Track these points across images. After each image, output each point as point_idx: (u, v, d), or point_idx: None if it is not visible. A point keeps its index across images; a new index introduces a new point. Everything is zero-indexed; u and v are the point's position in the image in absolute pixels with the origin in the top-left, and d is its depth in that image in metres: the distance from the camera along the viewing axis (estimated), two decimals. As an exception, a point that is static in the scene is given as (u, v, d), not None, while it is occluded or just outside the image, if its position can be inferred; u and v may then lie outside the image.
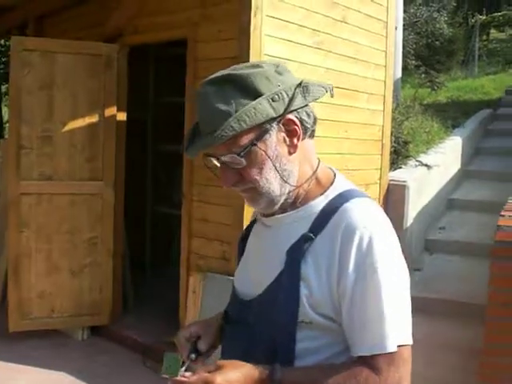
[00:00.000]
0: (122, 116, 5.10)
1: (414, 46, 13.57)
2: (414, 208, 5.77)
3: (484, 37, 19.77)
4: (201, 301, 3.90)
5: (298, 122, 1.37)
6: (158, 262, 6.51)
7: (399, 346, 1.28)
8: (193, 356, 1.48)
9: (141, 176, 6.42)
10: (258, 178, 1.36)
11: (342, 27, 4.75)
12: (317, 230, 1.36)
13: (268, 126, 1.33)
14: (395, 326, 1.29)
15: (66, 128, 4.82)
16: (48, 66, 4.75)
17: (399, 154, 6.22)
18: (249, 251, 1.57)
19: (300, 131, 1.37)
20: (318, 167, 1.46)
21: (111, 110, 4.96)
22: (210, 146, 1.34)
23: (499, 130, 9.62)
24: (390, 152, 5.74)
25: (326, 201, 1.40)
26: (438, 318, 4.73)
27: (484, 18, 18.90)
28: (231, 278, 1.69)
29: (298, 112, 1.37)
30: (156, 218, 6.59)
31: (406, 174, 5.88)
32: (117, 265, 5.17)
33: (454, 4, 17.86)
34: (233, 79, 1.32)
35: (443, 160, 6.86)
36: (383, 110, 5.40)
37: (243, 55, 3.95)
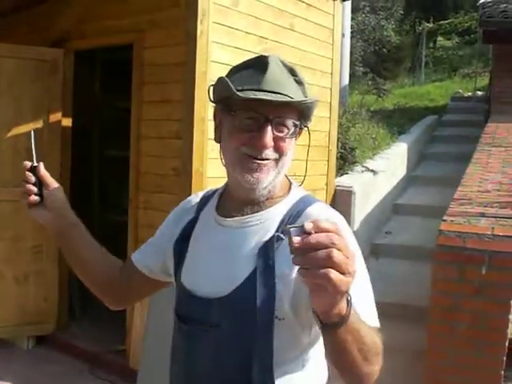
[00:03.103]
0: (67, 121, 5.03)
1: (362, 53, 13.78)
2: (360, 213, 5.85)
3: (431, 44, 20.21)
4: (147, 308, 3.87)
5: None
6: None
7: None
8: None
9: (87, 182, 6.33)
10: (288, 152, 1.44)
11: (289, 35, 4.79)
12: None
13: (304, 123, 1.49)
14: (371, 306, 1.40)
15: (10, 134, 4.72)
16: (-9, 70, 4.66)
17: (346, 160, 6.30)
18: (199, 250, 1.55)
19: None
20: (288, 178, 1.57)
21: (56, 116, 4.88)
22: (295, 103, 1.39)
23: (444, 136, 9.84)
24: (337, 158, 5.81)
25: (289, 205, 1.48)
26: (383, 320, 4.80)
27: (431, 25, 19.30)
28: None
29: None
30: (104, 224, 6.51)
31: (352, 179, 5.96)
32: (62, 273, 5.07)
33: (402, 12, 18.16)
34: (295, 72, 1.45)
35: (389, 165, 6.98)
36: (329, 117, 5.47)
37: (190, 61, 3.95)
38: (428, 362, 3.54)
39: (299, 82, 1.44)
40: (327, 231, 1.00)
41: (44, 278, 4.94)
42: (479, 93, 12.89)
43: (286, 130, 1.41)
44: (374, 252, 6.32)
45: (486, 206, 4.01)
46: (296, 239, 1.00)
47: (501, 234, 3.38)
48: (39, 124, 4.79)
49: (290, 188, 1.54)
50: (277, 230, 1.43)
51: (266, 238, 1.42)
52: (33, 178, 1.66)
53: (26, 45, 4.83)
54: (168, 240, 1.63)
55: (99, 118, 6.39)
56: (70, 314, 5.36)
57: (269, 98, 1.34)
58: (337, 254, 0.98)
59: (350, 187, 5.66)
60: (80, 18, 4.83)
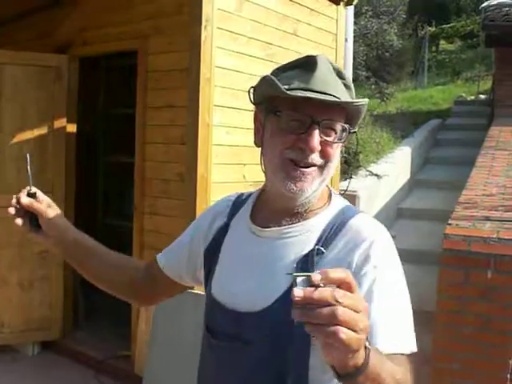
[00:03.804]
0: (71, 127, 5.04)
1: (365, 57, 13.77)
2: (364, 217, 5.85)
3: (433, 48, 20.22)
4: (152, 313, 3.88)
5: None
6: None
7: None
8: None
9: (92, 188, 6.35)
10: (334, 159, 1.34)
11: (292, 40, 4.80)
12: (326, 244, 1.33)
13: (351, 128, 1.36)
14: (412, 326, 1.31)
15: (15, 140, 4.74)
16: (-4, 77, 4.68)
17: (350, 165, 6.31)
18: (232, 260, 1.46)
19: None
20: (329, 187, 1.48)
21: (61, 122, 4.90)
22: (343, 105, 1.30)
23: (448, 140, 9.85)
24: (341, 162, 5.82)
25: (331, 216, 1.39)
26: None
27: (433, 29, 19.35)
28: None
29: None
30: (107, 230, 6.51)
31: (356, 183, 5.97)
32: (67, 278, 5.08)
33: (404, 16, 18.15)
34: (344, 76, 1.35)
35: (393, 169, 6.98)
36: (334, 121, 5.46)
37: (194, 67, 3.96)
38: (435, 366, 3.53)
39: (347, 86, 1.35)
40: (338, 282, 0.91)
41: (49, 283, 4.94)
42: (482, 96, 12.90)
43: (333, 134, 1.32)
44: (378, 256, 6.31)
45: (490, 210, 4.01)
46: (297, 292, 0.90)
47: (506, 237, 3.38)
48: (44, 130, 4.81)
49: (330, 197, 1.45)
50: (317, 243, 1.34)
51: (306, 250, 1.34)
52: (18, 206, 1.68)
53: (29, 51, 4.85)
54: (199, 245, 1.56)
55: (104, 125, 6.40)
56: (75, 320, 5.36)
57: (319, 97, 1.25)
58: (342, 313, 0.89)
59: (355, 191, 5.66)
60: (84, 25, 4.85)
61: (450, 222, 3.75)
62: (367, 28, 14.72)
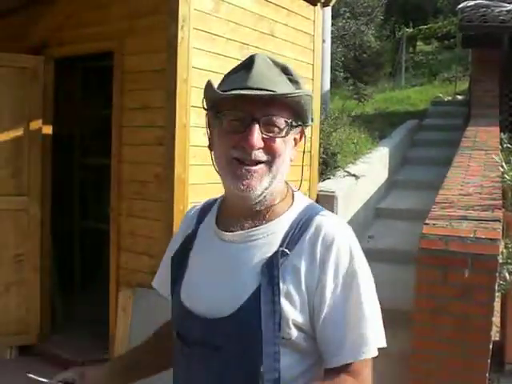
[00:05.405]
0: (47, 129, 4.98)
1: (343, 58, 13.86)
2: (343, 217, 5.86)
3: (411, 49, 20.34)
4: (131, 315, 3.85)
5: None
6: (87, 278, 6.38)
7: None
8: None
9: (68, 191, 6.29)
10: (281, 153, 1.36)
11: (270, 41, 4.80)
12: (290, 245, 1.35)
13: (301, 122, 1.40)
14: (376, 329, 1.33)
15: (-10, 142, 4.68)
16: (-30, 78, 4.61)
17: (328, 165, 6.32)
18: (199, 266, 1.47)
19: (298, 146, 1.45)
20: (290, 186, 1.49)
21: (36, 124, 4.84)
22: (281, 98, 1.32)
23: (425, 140, 9.90)
24: (319, 163, 5.83)
25: (294, 216, 1.40)
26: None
27: (411, 30, 19.45)
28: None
29: (306, 127, 1.44)
30: (85, 233, 6.46)
31: (334, 184, 5.98)
32: (44, 282, 5.03)
33: (382, 17, 18.29)
34: (289, 70, 1.39)
35: (370, 170, 7.00)
36: (311, 122, 5.47)
37: (171, 68, 3.94)
38: (414, 365, 3.54)
39: (294, 81, 1.38)
40: None
41: (26, 287, 4.88)
42: (459, 97, 13.01)
43: (276, 130, 1.34)
44: (357, 256, 6.33)
45: (467, 209, 4.03)
46: None
47: (483, 236, 3.39)
48: (19, 132, 4.75)
49: (293, 197, 1.47)
50: (281, 244, 1.35)
51: (271, 253, 1.34)
52: None
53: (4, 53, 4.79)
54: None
55: (80, 126, 6.34)
56: (53, 324, 5.31)
57: (249, 92, 1.28)
58: None
59: (333, 192, 5.67)
60: (59, 26, 4.79)
61: (427, 221, 3.76)
62: (345, 29, 14.81)
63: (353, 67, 14.82)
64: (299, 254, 1.34)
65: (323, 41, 6.80)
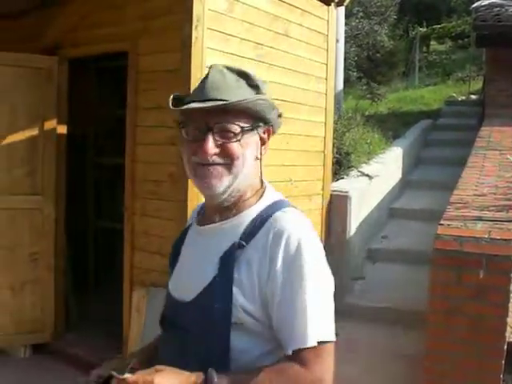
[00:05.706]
0: (62, 129, 5.01)
1: (356, 58, 13.83)
2: (356, 218, 5.85)
3: (424, 49, 20.24)
4: (144, 315, 3.86)
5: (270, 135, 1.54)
6: (101, 277, 6.41)
7: (323, 342, 1.38)
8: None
9: (82, 190, 6.32)
10: (239, 156, 1.45)
11: (283, 40, 4.79)
12: (248, 238, 1.45)
13: (261, 123, 1.50)
14: (317, 322, 1.38)
15: (5, 142, 4.71)
16: (-15, 78, 4.64)
17: (341, 165, 6.31)
18: (183, 258, 1.64)
19: (268, 144, 1.54)
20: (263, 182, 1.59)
21: (51, 123, 4.87)
22: (230, 106, 1.42)
23: (439, 140, 9.86)
24: (333, 163, 5.81)
25: (259, 210, 1.51)
26: (380, 325, 4.80)
27: (424, 30, 19.35)
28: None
29: (272, 126, 1.54)
30: (99, 232, 6.49)
31: (348, 184, 5.96)
32: (59, 281, 5.06)
33: (395, 17, 18.21)
34: (247, 75, 1.51)
35: (384, 170, 6.98)
36: (325, 122, 5.47)
37: (185, 68, 3.94)
38: (427, 366, 3.53)
39: (253, 86, 1.49)
40: None
41: (40, 286, 4.91)
42: (473, 96, 12.92)
43: (230, 135, 1.44)
44: (370, 256, 6.32)
45: (482, 210, 4.01)
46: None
47: (498, 237, 3.38)
48: (34, 132, 4.79)
49: (263, 193, 1.56)
50: (240, 237, 1.46)
51: (230, 244, 1.46)
52: None
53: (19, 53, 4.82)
54: None
55: (95, 126, 6.37)
56: (67, 322, 5.33)
57: (195, 105, 1.42)
58: None
59: (346, 192, 5.66)
60: (73, 27, 4.81)
61: (441, 222, 3.75)
62: (358, 29, 14.77)
63: (366, 67, 14.78)
64: (255, 246, 1.44)
65: (337, 40, 6.78)
